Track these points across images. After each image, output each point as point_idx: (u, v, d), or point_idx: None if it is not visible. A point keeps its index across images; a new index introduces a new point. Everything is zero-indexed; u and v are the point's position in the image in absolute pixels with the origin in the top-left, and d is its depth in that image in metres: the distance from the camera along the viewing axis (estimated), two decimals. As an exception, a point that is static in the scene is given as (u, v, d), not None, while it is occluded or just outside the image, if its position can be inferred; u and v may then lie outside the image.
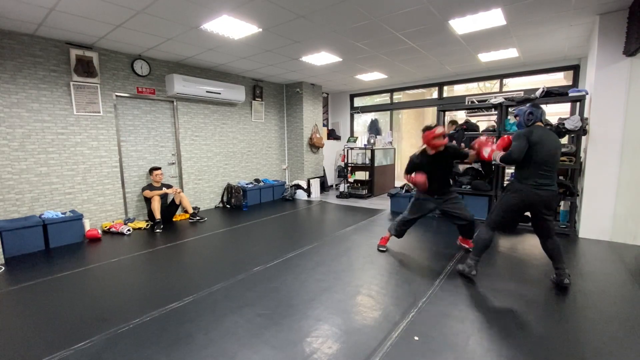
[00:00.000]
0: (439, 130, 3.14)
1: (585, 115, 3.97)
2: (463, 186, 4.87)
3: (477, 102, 5.85)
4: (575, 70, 5.55)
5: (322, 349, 1.90)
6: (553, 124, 3.96)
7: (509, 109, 4.66)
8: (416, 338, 1.99)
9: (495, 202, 2.79)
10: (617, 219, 3.71)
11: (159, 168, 4.99)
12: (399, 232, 3.57)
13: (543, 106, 4.53)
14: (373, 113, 8.52)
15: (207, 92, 5.58)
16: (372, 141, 7.23)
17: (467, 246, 3.53)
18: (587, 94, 3.92)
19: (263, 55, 5.08)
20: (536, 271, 3.00)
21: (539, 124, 2.61)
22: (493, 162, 2.79)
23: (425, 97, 7.88)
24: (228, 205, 6.26)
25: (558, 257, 2.63)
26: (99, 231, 4.32)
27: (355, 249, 3.68)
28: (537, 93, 4.15)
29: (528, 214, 2.68)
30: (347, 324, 2.16)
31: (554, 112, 5.50)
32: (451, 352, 1.85)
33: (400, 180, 7.91)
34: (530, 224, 2.73)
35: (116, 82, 4.70)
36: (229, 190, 6.26)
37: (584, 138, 3.96)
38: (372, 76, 6.64)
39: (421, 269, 3.09)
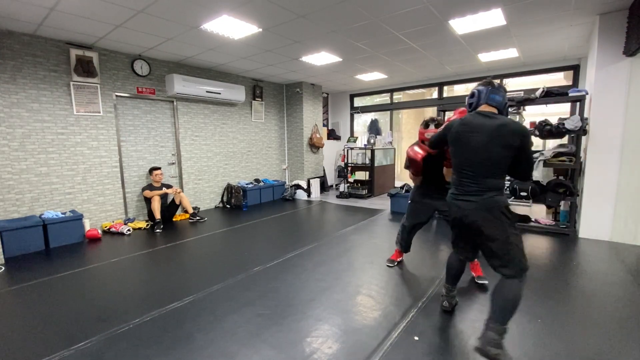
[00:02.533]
0: (428, 134, 2.64)
1: (585, 115, 3.97)
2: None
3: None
4: (575, 70, 5.55)
5: (322, 349, 1.90)
6: (553, 123, 3.95)
7: (509, 109, 4.66)
8: (416, 338, 1.99)
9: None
10: (617, 219, 3.71)
11: (159, 168, 4.99)
12: (403, 246, 3.13)
13: (542, 106, 4.61)
14: (373, 113, 8.52)
15: (207, 92, 5.58)
16: (372, 141, 7.23)
17: (473, 274, 2.86)
18: (587, 94, 3.92)
19: (263, 55, 5.08)
20: (536, 271, 2.99)
21: (486, 108, 1.84)
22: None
23: (425, 97, 7.88)
24: (228, 205, 6.26)
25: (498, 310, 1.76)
26: (99, 231, 4.32)
27: (355, 249, 3.68)
28: (537, 93, 4.15)
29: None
30: (347, 324, 2.16)
31: (554, 112, 5.49)
32: (451, 352, 1.85)
33: (400, 180, 7.91)
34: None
35: (116, 82, 4.70)
36: (229, 190, 6.26)
37: (584, 138, 3.96)
38: (372, 76, 6.64)
39: (421, 269, 3.09)
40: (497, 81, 1.89)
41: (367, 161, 7.20)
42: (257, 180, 6.91)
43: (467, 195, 1.83)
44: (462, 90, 7.07)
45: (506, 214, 1.76)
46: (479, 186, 1.80)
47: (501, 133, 1.72)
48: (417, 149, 2.72)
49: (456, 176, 1.91)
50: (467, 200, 1.82)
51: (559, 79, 5.99)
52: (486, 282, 2.72)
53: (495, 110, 1.83)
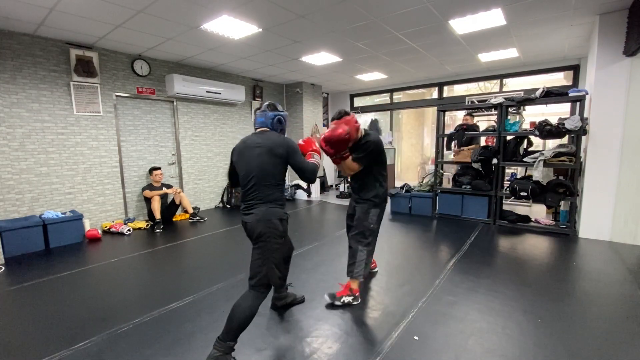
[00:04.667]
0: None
1: (585, 115, 3.97)
2: (463, 186, 4.87)
3: (477, 102, 5.85)
4: (575, 70, 5.55)
5: (322, 349, 1.90)
6: (553, 123, 3.96)
7: (509, 109, 4.67)
8: (416, 338, 1.99)
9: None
10: (617, 219, 3.71)
11: (159, 168, 4.99)
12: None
13: (542, 106, 4.62)
14: (373, 113, 8.52)
15: (207, 92, 5.58)
16: (372, 141, 7.22)
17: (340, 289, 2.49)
18: (587, 94, 3.92)
19: (263, 55, 5.08)
20: (536, 271, 3.00)
21: (259, 129, 2.00)
22: None
23: (425, 97, 7.88)
24: (228, 205, 6.26)
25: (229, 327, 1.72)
26: (99, 231, 4.32)
27: (355, 249, 3.68)
28: (537, 93, 4.15)
29: None
30: (347, 324, 2.16)
31: (554, 112, 5.50)
32: (451, 352, 1.85)
33: (400, 180, 7.91)
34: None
35: (116, 82, 4.70)
36: (229, 190, 6.26)
37: (584, 138, 3.96)
38: (372, 76, 6.64)
39: (421, 269, 3.09)
40: (268, 103, 2.03)
41: (367, 161, 7.18)
42: (257, 180, 6.90)
43: (248, 208, 1.90)
44: (462, 90, 7.07)
45: (277, 226, 1.84)
46: (257, 201, 1.87)
47: (267, 145, 1.86)
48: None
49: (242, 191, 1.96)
50: (248, 214, 1.89)
51: (559, 79, 5.99)
52: (327, 298, 2.42)
53: (265, 129, 1.98)
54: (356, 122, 2.36)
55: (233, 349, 1.74)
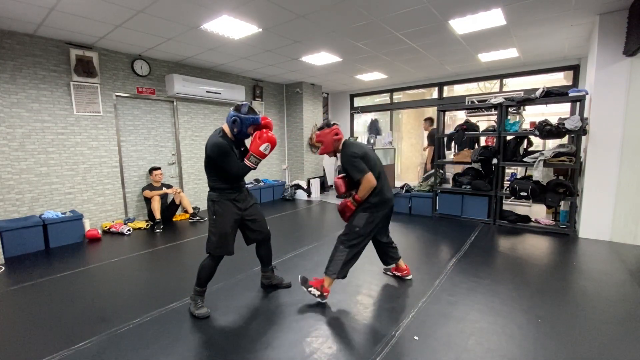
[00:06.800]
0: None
1: (585, 115, 3.97)
2: (463, 186, 4.87)
3: (477, 102, 5.85)
4: (575, 70, 5.55)
5: (322, 349, 1.90)
6: (553, 123, 3.96)
7: (509, 109, 4.67)
8: (416, 338, 1.99)
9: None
10: (617, 219, 3.71)
11: (159, 168, 4.99)
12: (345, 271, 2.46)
13: (542, 106, 4.63)
14: (373, 113, 8.52)
15: (207, 92, 5.58)
16: (372, 141, 7.23)
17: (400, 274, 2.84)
18: (587, 94, 3.92)
19: (263, 55, 5.08)
20: (536, 271, 3.00)
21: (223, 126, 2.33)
22: None
23: (425, 97, 7.88)
24: (228, 205, 6.25)
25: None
26: (99, 231, 4.32)
27: (355, 249, 3.68)
28: (537, 93, 4.15)
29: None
30: (347, 324, 2.16)
31: (554, 112, 5.50)
32: (451, 352, 1.85)
33: (400, 180, 7.91)
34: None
35: (116, 82, 4.70)
36: (229, 190, 6.25)
37: (584, 138, 3.96)
38: (372, 76, 6.64)
39: (421, 269, 3.09)
40: (239, 104, 2.21)
41: (367, 161, 7.18)
42: (257, 180, 6.90)
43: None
44: (462, 90, 7.07)
45: (210, 207, 2.38)
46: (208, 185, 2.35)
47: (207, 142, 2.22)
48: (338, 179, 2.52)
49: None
50: None
51: (559, 79, 5.99)
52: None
53: (224, 126, 2.26)
54: (335, 134, 2.42)
55: (201, 292, 2.31)
